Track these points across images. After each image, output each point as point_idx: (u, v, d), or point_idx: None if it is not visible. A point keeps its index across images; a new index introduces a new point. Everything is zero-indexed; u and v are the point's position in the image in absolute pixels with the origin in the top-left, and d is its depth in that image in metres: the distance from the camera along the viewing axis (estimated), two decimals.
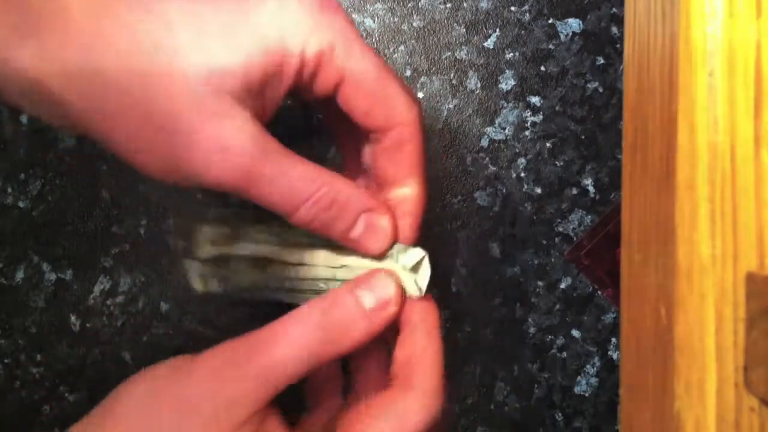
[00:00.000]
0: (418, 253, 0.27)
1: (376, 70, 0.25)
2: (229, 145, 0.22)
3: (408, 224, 0.27)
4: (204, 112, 0.22)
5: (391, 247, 0.27)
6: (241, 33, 0.23)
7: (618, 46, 0.37)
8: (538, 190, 0.37)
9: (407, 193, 0.27)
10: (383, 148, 0.27)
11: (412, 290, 0.27)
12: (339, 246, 0.27)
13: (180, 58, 0.22)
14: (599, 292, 0.37)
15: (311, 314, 0.25)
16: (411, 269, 0.27)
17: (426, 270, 0.27)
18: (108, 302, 0.36)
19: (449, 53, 0.37)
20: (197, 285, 0.30)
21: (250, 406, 0.23)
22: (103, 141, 0.23)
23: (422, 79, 0.37)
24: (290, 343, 0.24)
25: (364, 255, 0.27)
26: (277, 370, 0.24)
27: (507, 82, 0.37)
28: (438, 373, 0.26)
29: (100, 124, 0.22)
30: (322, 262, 0.28)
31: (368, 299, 0.26)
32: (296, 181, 0.24)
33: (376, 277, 0.26)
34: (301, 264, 0.28)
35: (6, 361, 0.36)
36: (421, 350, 0.26)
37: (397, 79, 0.26)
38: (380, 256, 0.27)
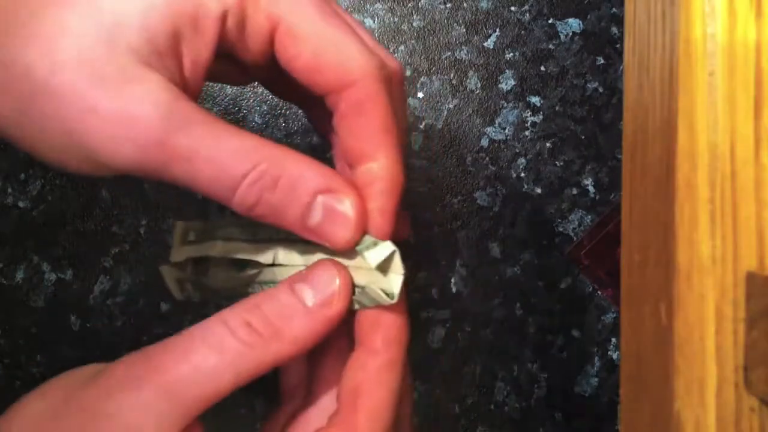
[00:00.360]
0: (386, 248, 0.21)
1: (317, 13, 0.21)
2: (133, 116, 0.18)
3: (378, 209, 0.22)
4: (96, 77, 0.18)
5: (360, 240, 0.21)
6: None
7: (618, 46, 0.37)
8: (538, 190, 0.37)
9: (375, 169, 0.22)
10: (342, 114, 0.22)
11: (379, 297, 0.22)
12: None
13: (60, 11, 0.18)
14: (599, 292, 0.37)
15: (235, 313, 0.20)
16: (378, 268, 0.22)
17: (397, 270, 0.22)
18: (108, 302, 0.36)
19: (449, 53, 0.37)
20: (175, 291, 0.26)
21: None
22: None
23: (422, 79, 0.37)
24: (205, 353, 0.20)
25: (332, 250, 0.22)
26: (186, 389, 0.19)
27: (507, 82, 0.37)
28: (388, 418, 0.22)
29: None
30: (299, 261, 0.23)
31: (308, 294, 0.21)
32: (227, 155, 0.19)
33: (317, 269, 0.22)
34: (276, 264, 0.23)
35: (6, 361, 0.36)
36: (374, 384, 0.22)
37: (350, 27, 0.21)
38: (347, 250, 0.22)
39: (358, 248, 0.22)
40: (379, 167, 0.22)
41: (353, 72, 0.21)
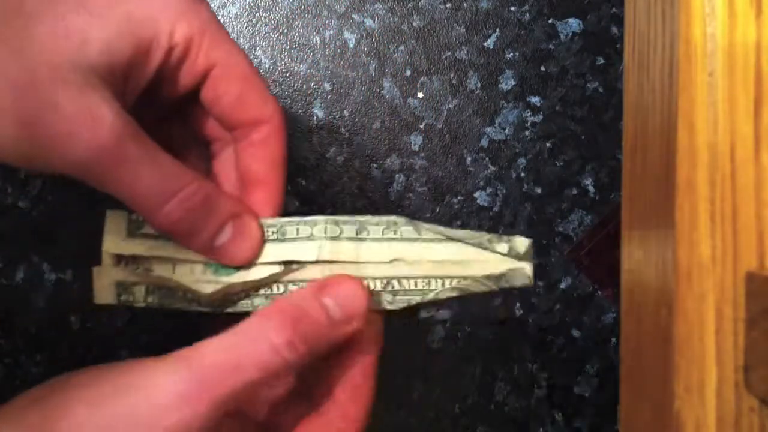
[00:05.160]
0: (525, 240, 0.25)
1: (246, 62, 0.24)
2: (96, 115, 0.20)
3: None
4: (67, 83, 0.20)
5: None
6: (107, 8, 0.21)
7: (618, 46, 0.37)
8: (538, 190, 0.37)
9: (268, 191, 0.25)
10: (249, 142, 0.25)
11: (524, 279, 0.25)
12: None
13: (38, 25, 0.20)
14: (599, 292, 0.37)
15: (279, 331, 0.22)
16: (518, 257, 0.25)
17: (529, 258, 0.25)
18: None
19: (449, 53, 0.37)
20: (105, 296, 0.26)
21: None
22: None
23: (422, 79, 0.37)
24: (253, 373, 0.21)
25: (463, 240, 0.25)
26: (238, 396, 0.21)
27: (507, 82, 0.37)
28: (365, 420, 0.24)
29: None
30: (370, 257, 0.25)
31: (335, 310, 0.23)
32: (167, 171, 0.22)
33: (345, 284, 0.23)
34: (321, 261, 0.25)
35: (6, 361, 0.36)
36: (368, 379, 0.24)
37: (263, 78, 0.25)
38: (477, 245, 0.25)
39: (477, 242, 0.25)
40: (271, 189, 0.25)
41: (268, 112, 0.25)
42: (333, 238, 0.25)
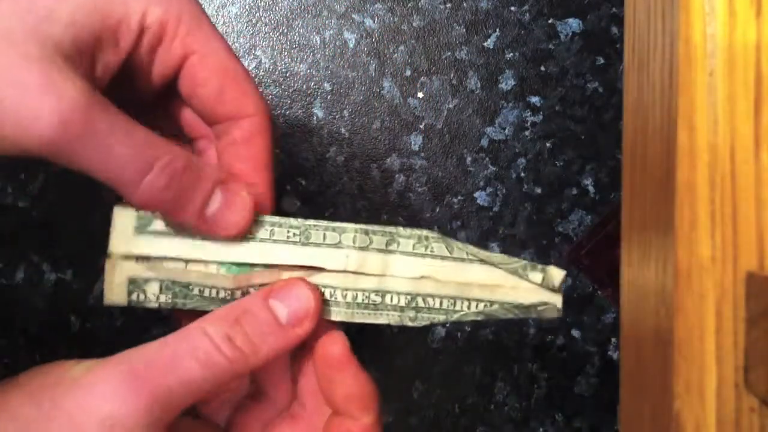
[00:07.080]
0: (560, 272, 0.24)
1: (226, 51, 0.23)
2: (60, 90, 0.19)
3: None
4: (28, 58, 0.19)
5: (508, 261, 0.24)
6: None
7: (618, 46, 0.37)
8: (538, 190, 0.37)
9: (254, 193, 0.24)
10: (231, 140, 0.24)
11: (552, 312, 0.24)
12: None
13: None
14: (599, 292, 0.37)
15: (218, 327, 0.22)
16: (553, 288, 0.24)
17: (560, 290, 0.25)
18: None
19: (449, 53, 0.37)
20: (116, 294, 0.24)
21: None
22: None
23: (422, 79, 0.37)
24: (192, 366, 0.21)
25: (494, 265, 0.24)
26: (172, 399, 0.20)
27: (507, 82, 0.37)
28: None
29: None
30: (377, 270, 0.24)
31: (282, 312, 0.23)
32: (141, 141, 0.21)
33: (292, 286, 0.23)
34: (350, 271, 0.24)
35: (6, 361, 0.36)
36: (359, 389, 0.23)
37: (246, 70, 0.24)
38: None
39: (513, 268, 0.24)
40: (257, 191, 0.24)
41: (254, 107, 0.23)
42: (361, 248, 0.24)
